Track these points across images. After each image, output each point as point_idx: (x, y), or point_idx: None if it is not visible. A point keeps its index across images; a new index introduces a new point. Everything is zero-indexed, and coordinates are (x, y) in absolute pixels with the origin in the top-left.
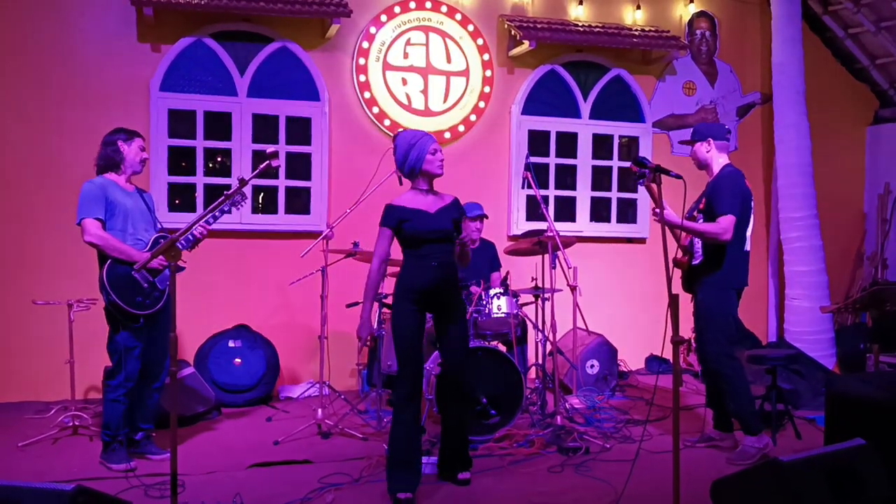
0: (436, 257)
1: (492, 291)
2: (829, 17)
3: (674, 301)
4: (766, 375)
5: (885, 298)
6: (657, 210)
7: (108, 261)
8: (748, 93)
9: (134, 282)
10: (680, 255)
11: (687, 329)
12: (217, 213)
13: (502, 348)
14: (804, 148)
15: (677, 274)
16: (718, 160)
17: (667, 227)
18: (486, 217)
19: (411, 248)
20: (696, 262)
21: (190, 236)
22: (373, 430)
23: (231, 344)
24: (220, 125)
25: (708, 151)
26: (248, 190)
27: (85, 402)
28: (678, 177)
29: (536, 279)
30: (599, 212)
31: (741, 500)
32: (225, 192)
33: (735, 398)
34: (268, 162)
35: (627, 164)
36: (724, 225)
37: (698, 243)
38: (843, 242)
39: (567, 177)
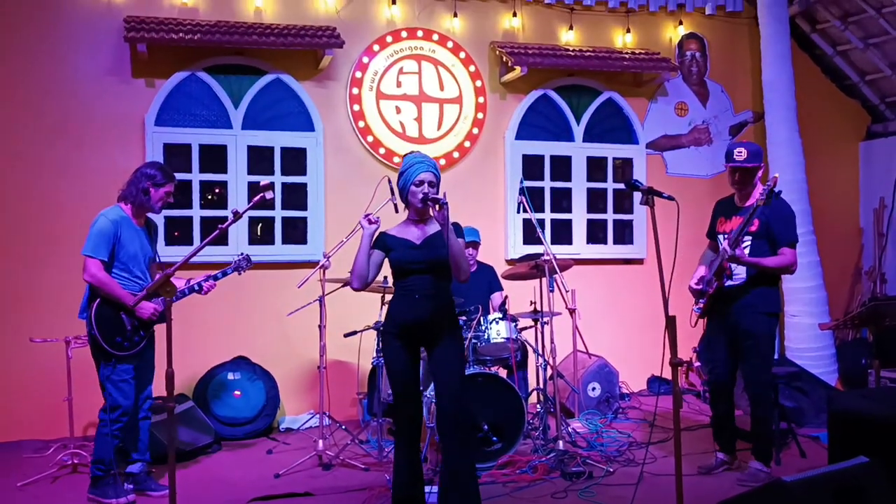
0: (420, 290)
1: (490, 317)
2: (817, 35)
3: (671, 323)
4: None
5: (883, 314)
6: (732, 249)
7: (100, 298)
8: (740, 112)
9: (120, 322)
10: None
11: (687, 350)
12: (219, 275)
13: (503, 373)
14: (797, 164)
15: (673, 295)
16: (759, 185)
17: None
18: (479, 243)
19: (398, 280)
20: (734, 283)
21: (196, 286)
22: (374, 459)
23: (230, 376)
24: (215, 158)
25: (759, 176)
26: (244, 220)
27: (84, 439)
28: (671, 198)
29: (535, 303)
30: (596, 234)
31: None
32: (219, 226)
33: (765, 424)
34: (262, 194)
35: (622, 185)
36: (793, 258)
37: (743, 251)
38: (841, 258)
39: (562, 200)
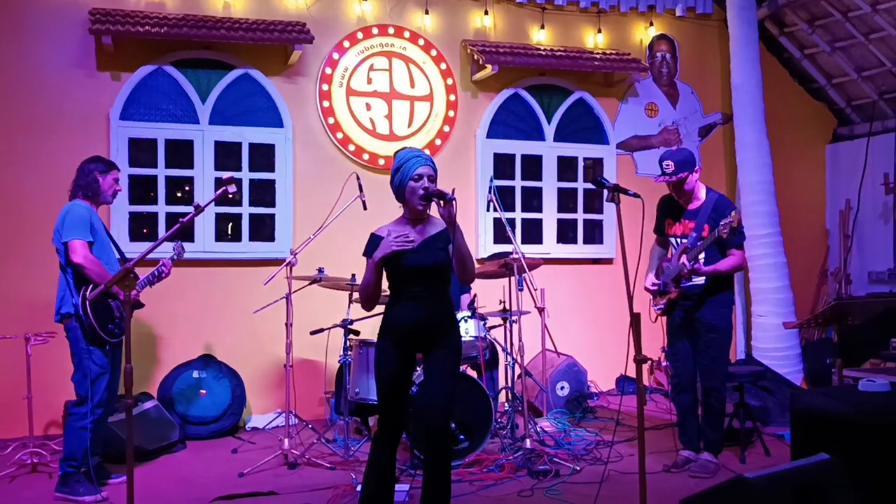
0: (417, 295)
1: (459, 315)
2: (785, 39)
3: (635, 320)
4: (734, 392)
5: (846, 313)
6: (691, 263)
7: (90, 285)
8: (709, 113)
9: (109, 308)
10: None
11: (654, 348)
12: (175, 257)
13: (471, 372)
14: (765, 166)
15: (640, 293)
16: (701, 186)
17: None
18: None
19: (394, 284)
20: (695, 282)
21: (155, 272)
22: (340, 458)
23: (196, 374)
24: (181, 153)
25: (697, 180)
26: (210, 217)
27: (44, 438)
28: (636, 196)
29: (504, 302)
30: (566, 233)
31: None
32: (181, 220)
33: (719, 416)
34: (224, 188)
35: (592, 185)
36: (742, 258)
37: (700, 262)
38: (808, 259)
39: (533, 199)
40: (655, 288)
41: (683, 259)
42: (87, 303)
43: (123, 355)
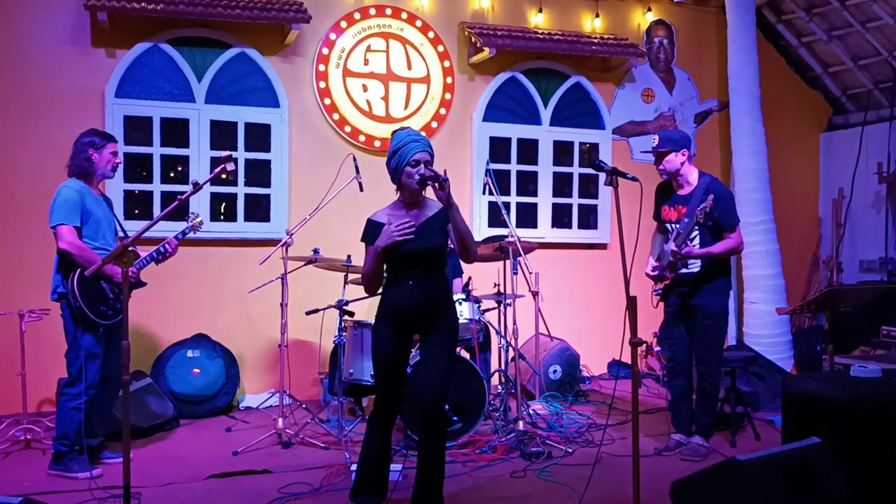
0: (414, 277)
1: (454, 297)
2: (782, 26)
3: (632, 303)
4: (725, 377)
5: (838, 299)
6: (679, 248)
7: (79, 269)
8: (705, 100)
9: (102, 291)
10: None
11: (648, 333)
12: (180, 235)
13: (465, 354)
14: (760, 153)
15: (635, 277)
16: (692, 170)
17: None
18: None
19: (391, 267)
20: (690, 270)
21: (160, 249)
22: (334, 438)
23: (190, 354)
24: (177, 132)
25: (682, 163)
26: (206, 197)
27: (38, 415)
28: (634, 179)
29: (499, 285)
30: (561, 218)
31: (700, 499)
32: (178, 197)
33: (713, 401)
34: (222, 166)
35: (588, 170)
36: (739, 239)
37: (691, 245)
38: (800, 246)
39: (529, 183)
40: (656, 273)
41: (673, 245)
42: (76, 287)
43: (122, 333)
